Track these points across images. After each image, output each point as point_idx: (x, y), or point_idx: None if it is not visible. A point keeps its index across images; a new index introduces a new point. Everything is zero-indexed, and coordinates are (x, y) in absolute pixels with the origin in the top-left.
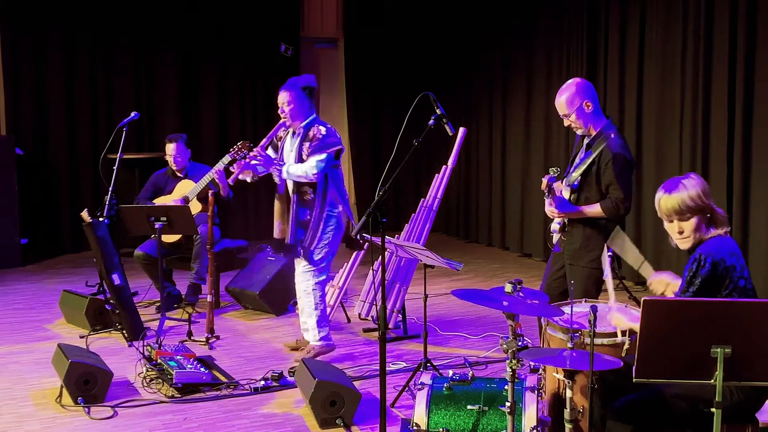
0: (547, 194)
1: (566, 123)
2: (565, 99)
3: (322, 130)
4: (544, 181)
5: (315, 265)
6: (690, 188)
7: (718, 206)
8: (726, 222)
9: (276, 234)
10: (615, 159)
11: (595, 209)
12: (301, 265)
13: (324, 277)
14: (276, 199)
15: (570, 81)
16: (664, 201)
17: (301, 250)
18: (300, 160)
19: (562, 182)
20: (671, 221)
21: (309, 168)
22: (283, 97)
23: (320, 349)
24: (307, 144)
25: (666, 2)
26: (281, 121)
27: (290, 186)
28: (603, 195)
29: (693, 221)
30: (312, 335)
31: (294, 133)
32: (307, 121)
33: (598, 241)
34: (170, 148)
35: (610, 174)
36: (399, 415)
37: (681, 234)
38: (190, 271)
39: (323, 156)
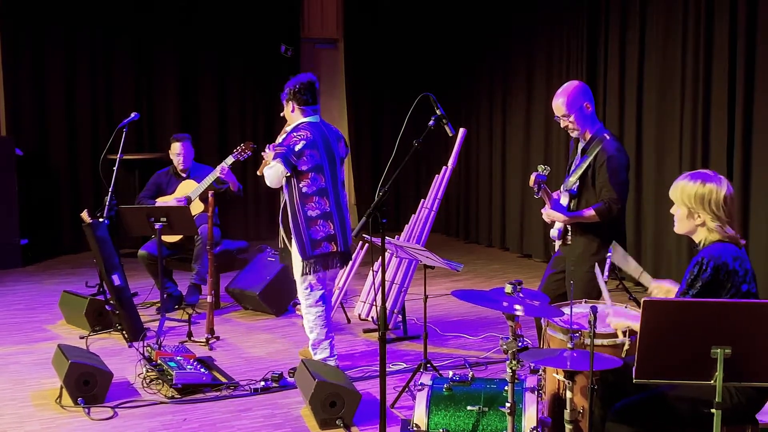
0: (537, 191)
1: (563, 124)
2: (565, 100)
3: (292, 136)
4: (533, 177)
5: (305, 286)
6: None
7: None
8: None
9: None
10: (609, 160)
11: (588, 213)
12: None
13: (316, 296)
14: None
15: (568, 83)
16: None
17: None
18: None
19: (560, 189)
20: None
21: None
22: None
23: None
24: None
25: (666, 1)
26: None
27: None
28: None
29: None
30: (312, 351)
31: None
32: (293, 125)
33: (599, 245)
34: (176, 147)
35: (604, 175)
36: (399, 415)
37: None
38: (190, 272)
39: (272, 164)
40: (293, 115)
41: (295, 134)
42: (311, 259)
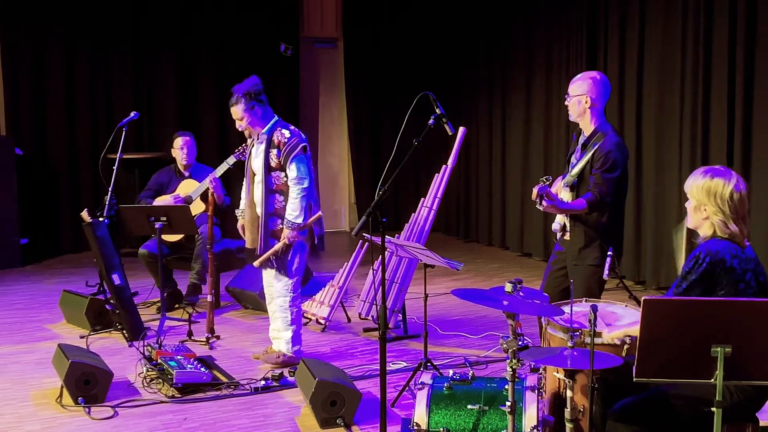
0: (539, 203)
1: (574, 100)
2: (595, 80)
3: (286, 133)
4: (535, 191)
5: (290, 277)
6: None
7: None
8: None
9: (247, 243)
10: (607, 155)
11: (579, 204)
12: (272, 276)
13: (298, 293)
14: (247, 206)
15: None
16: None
17: (274, 261)
18: (267, 167)
19: (561, 182)
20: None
21: (296, 190)
22: (235, 113)
23: (289, 360)
24: (274, 151)
25: (666, 1)
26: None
27: (258, 194)
28: None
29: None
30: (285, 347)
31: (257, 139)
32: (269, 126)
33: (600, 240)
34: (179, 141)
35: (599, 169)
36: (399, 414)
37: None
38: (190, 271)
39: (299, 162)
40: (261, 118)
41: (285, 132)
42: (321, 239)
